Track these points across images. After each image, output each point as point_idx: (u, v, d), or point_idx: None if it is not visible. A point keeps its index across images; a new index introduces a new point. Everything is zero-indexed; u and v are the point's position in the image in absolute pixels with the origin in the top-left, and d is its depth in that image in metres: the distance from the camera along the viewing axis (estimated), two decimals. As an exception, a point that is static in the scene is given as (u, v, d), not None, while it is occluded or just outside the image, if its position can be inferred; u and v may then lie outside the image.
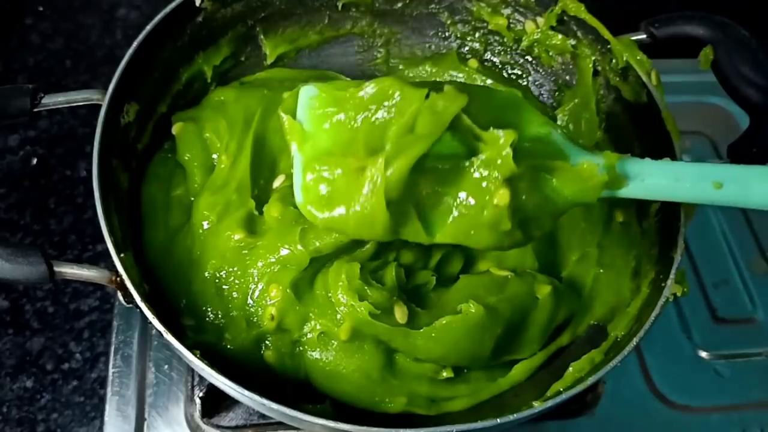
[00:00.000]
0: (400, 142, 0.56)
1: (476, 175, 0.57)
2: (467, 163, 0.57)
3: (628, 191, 0.60)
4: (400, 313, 0.66)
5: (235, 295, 0.69)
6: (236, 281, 0.69)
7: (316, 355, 0.68)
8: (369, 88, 0.57)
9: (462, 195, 0.57)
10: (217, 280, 0.70)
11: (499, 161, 0.55)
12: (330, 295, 0.67)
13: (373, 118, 0.57)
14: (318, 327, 0.68)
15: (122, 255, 0.63)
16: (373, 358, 0.68)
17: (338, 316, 0.67)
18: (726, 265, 0.97)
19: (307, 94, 0.60)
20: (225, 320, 0.69)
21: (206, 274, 0.70)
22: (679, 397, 0.86)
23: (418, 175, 0.57)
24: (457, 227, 0.58)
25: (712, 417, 0.85)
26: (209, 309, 0.70)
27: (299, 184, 0.60)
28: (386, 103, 0.57)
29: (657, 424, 0.84)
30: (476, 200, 0.57)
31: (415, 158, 0.55)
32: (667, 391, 0.86)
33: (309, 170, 0.59)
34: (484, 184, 0.56)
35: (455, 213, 0.58)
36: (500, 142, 0.55)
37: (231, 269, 0.69)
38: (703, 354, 0.90)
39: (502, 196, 0.56)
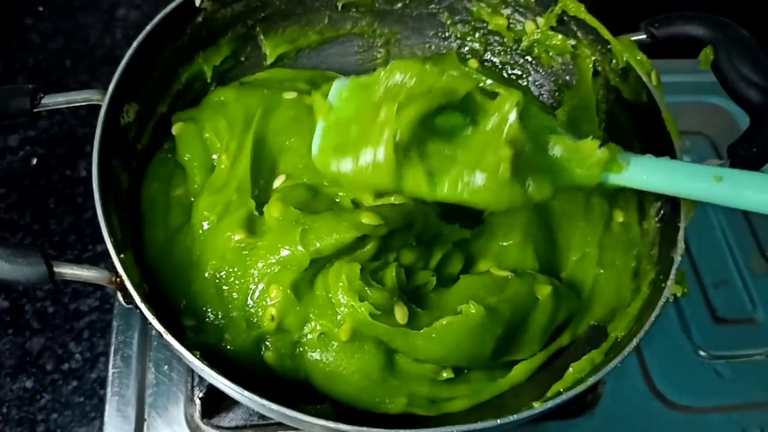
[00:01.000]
0: (415, 95, 0.60)
1: (483, 136, 0.61)
2: (476, 128, 0.62)
3: (628, 177, 0.63)
4: (401, 314, 0.66)
5: (235, 295, 0.69)
6: (236, 282, 0.69)
7: (316, 355, 0.68)
8: (392, 66, 0.63)
9: (468, 153, 0.62)
10: (217, 281, 0.70)
11: (505, 126, 0.60)
12: (330, 295, 0.67)
13: (393, 84, 0.63)
14: (318, 328, 0.68)
15: (122, 255, 0.63)
16: (374, 358, 0.68)
17: (338, 317, 0.67)
18: (726, 265, 0.97)
19: (339, 84, 0.66)
20: (225, 321, 0.69)
21: (206, 275, 0.70)
22: (679, 398, 0.86)
23: (427, 134, 0.61)
24: (459, 180, 0.62)
25: (713, 417, 0.85)
26: (209, 309, 0.70)
27: (317, 142, 0.66)
28: (408, 75, 0.62)
29: (657, 424, 0.84)
30: (480, 156, 0.61)
31: (427, 108, 0.60)
32: (667, 392, 0.86)
33: (328, 131, 0.65)
34: (489, 143, 0.61)
35: (459, 168, 0.62)
36: (506, 107, 0.60)
37: (231, 270, 0.69)
38: (703, 354, 0.90)
39: (505, 151, 0.60)
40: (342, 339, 0.67)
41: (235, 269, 0.69)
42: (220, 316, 0.69)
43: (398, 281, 0.69)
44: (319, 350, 0.68)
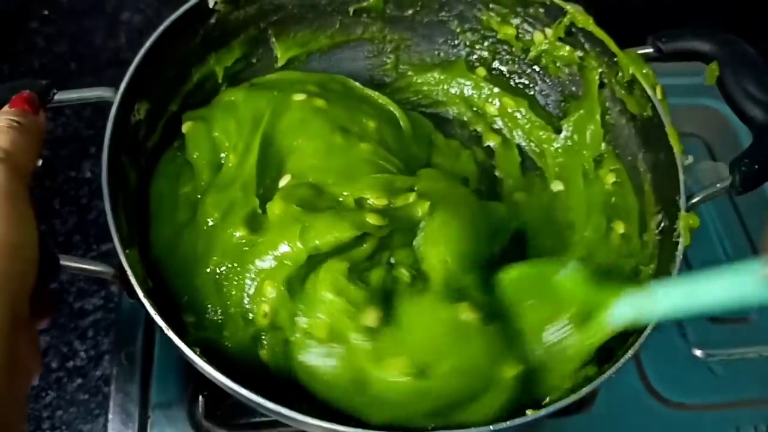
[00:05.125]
0: None
1: None
2: None
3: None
4: (373, 316, 0.64)
5: (233, 291, 0.68)
6: (235, 278, 0.69)
7: (301, 353, 0.65)
8: None
9: None
10: (216, 276, 0.69)
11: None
12: (316, 292, 0.66)
13: None
14: (304, 325, 0.65)
15: (127, 251, 0.63)
16: (344, 370, 0.64)
17: (319, 314, 0.65)
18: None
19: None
20: (224, 317, 0.69)
21: (207, 270, 0.70)
22: (675, 395, 0.86)
23: None
24: None
25: (707, 415, 0.85)
26: (209, 305, 0.69)
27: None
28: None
29: (652, 421, 0.85)
30: None
31: None
32: (662, 389, 0.86)
33: None
34: None
35: None
36: None
37: (230, 265, 0.69)
38: (698, 353, 0.90)
39: None
40: (319, 337, 0.64)
41: (234, 265, 0.69)
42: (219, 312, 0.69)
43: (383, 283, 0.67)
44: (303, 348, 0.65)
